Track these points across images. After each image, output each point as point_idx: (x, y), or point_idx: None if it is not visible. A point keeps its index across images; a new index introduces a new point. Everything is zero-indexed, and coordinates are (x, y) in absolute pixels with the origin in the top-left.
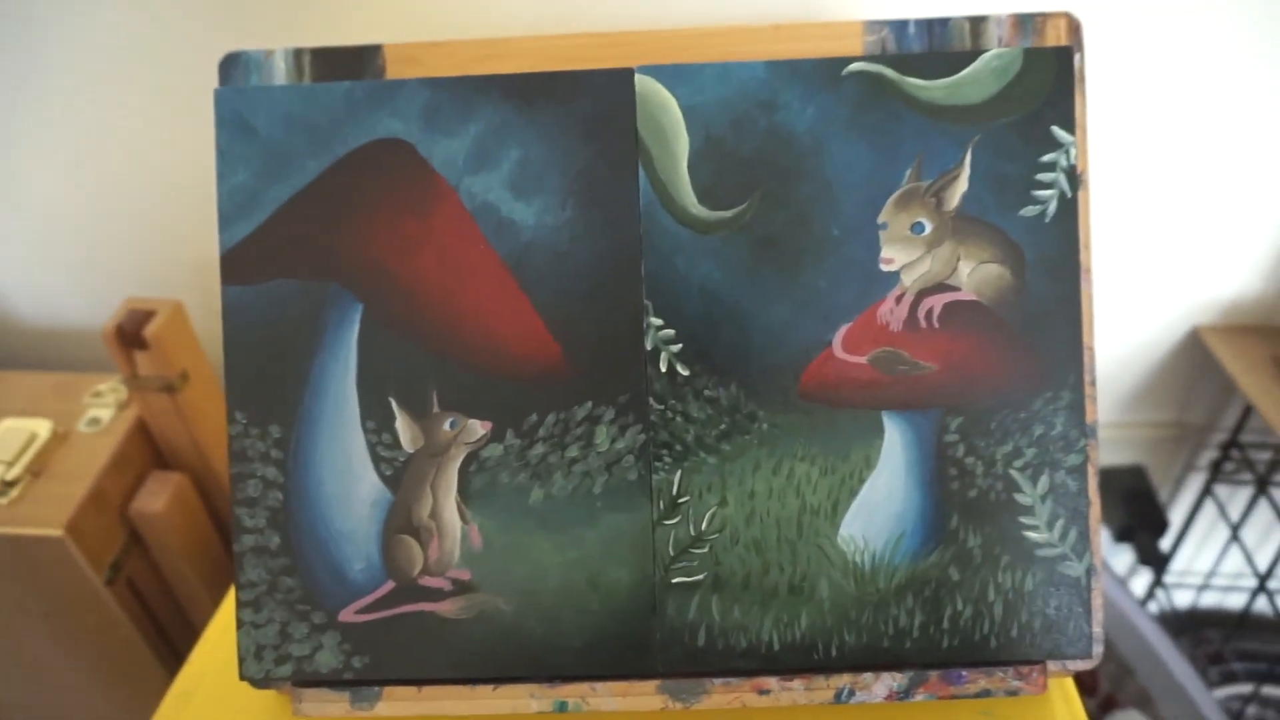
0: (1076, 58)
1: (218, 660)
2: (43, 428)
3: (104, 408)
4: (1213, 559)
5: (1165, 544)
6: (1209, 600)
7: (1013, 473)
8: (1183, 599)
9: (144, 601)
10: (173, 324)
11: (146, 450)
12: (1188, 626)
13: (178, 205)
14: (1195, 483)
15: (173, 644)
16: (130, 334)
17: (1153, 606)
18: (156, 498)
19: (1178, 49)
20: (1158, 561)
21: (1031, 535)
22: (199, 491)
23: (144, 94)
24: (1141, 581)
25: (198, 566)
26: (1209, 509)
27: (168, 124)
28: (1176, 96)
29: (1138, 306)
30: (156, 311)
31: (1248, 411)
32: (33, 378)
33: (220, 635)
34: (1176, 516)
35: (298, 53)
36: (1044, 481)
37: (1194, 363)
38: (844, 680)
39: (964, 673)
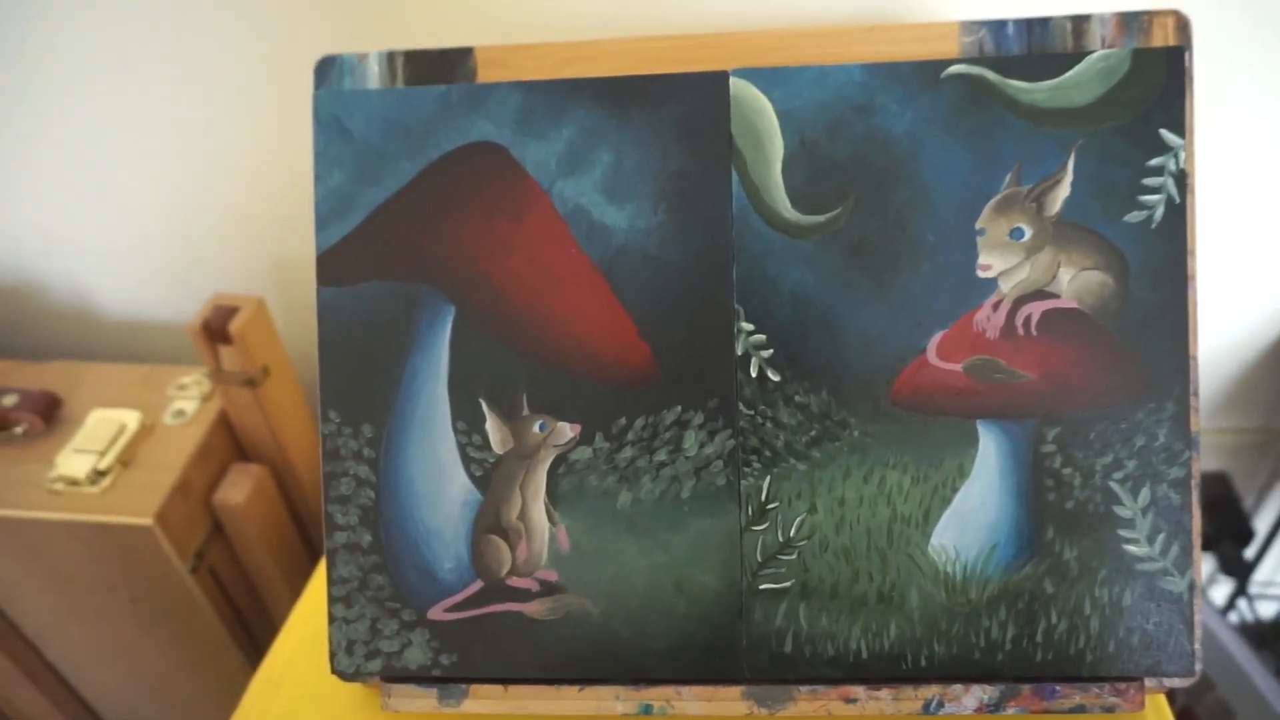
0: (1186, 57)
1: (304, 650)
2: (131, 419)
3: (188, 400)
4: None
5: (1249, 553)
6: None
7: (1112, 484)
8: (1266, 610)
9: (224, 589)
10: (256, 320)
11: (229, 442)
12: (1270, 638)
13: (260, 204)
14: None
15: (250, 631)
16: (216, 329)
17: (1233, 617)
18: (238, 489)
19: (1267, 42)
20: (1241, 571)
21: (1131, 549)
22: (277, 484)
23: (231, 95)
24: (1222, 591)
25: (275, 556)
26: None
27: (252, 124)
28: (1270, 88)
29: (1227, 308)
30: (241, 308)
31: None
32: (120, 369)
33: (304, 625)
34: (1261, 525)
35: (391, 56)
36: (1145, 494)
37: None
38: (933, 691)
39: (1058, 687)
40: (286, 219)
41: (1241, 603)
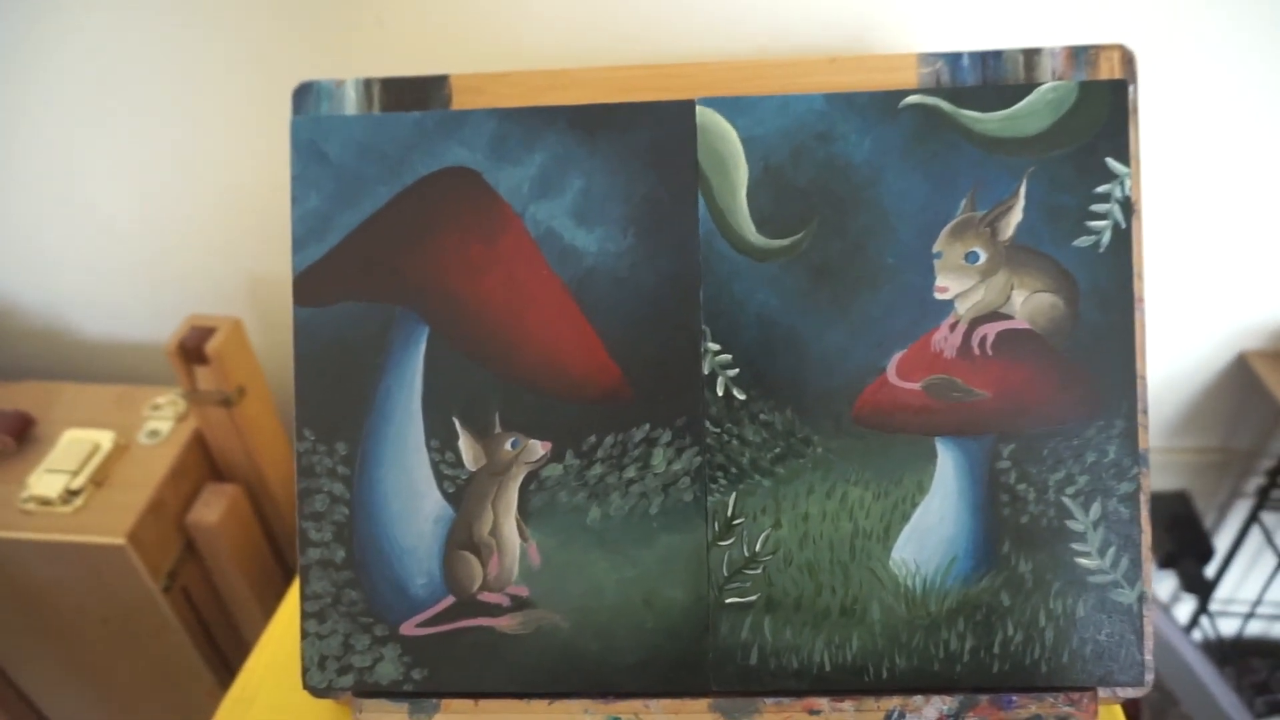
0: (1130, 90)
1: (275, 668)
2: (105, 439)
3: (163, 420)
4: (1258, 587)
5: (1209, 571)
6: (1255, 629)
7: (1065, 499)
8: (1227, 627)
9: (196, 610)
10: (232, 340)
11: (203, 462)
12: (1232, 656)
13: (236, 224)
14: (1241, 509)
15: (221, 652)
16: (192, 349)
17: (1196, 634)
18: (212, 509)
19: (1220, 74)
20: (1202, 589)
21: (1083, 562)
22: (251, 503)
23: (209, 117)
24: (1185, 609)
25: (249, 576)
26: (1255, 536)
27: (230, 147)
28: (1222, 119)
29: (1184, 331)
30: (217, 328)
31: None
32: (94, 390)
33: (277, 644)
34: (1221, 543)
35: (367, 83)
36: (1096, 509)
37: (1241, 388)
38: (894, 702)
39: (1014, 698)
40: (263, 240)
41: (1204, 620)
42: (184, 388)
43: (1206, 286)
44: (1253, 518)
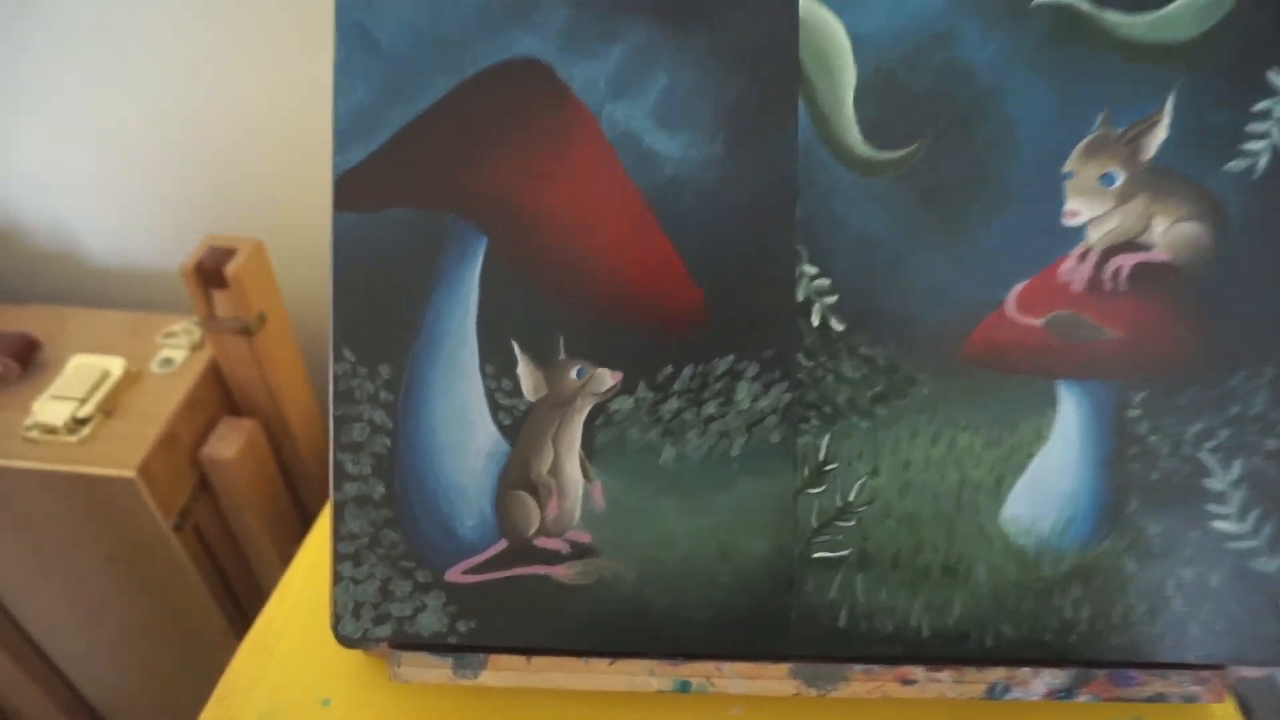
0: None
1: (298, 615)
2: (115, 366)
3: (177, 349)
4: None
5: None
6: None
7: (1202, 455)
8: None
9: (210, 551)
10: (253, 263)
11: (219, 394)
12: None
13: (255, 145)
14: None
15: (235, 597)
16: (210, 272)
17: None
18: (228, 444)
19: None
20: None
21: (1221, 525)
22: (269, 441)
23: (224, 29)
24: None
25: (265, 517)
26: None
27: (248, 60)
28: None
29: None
30: (237, 250)
31: None
32: (105, 315)
33: (298, 589)
34: None
35: None
36: (1238, 466)
37: None
38: (998, 674)
39: (1135, 674)
40: (282, 160)
41: None
42: (200, 314)
43: None
44: None
